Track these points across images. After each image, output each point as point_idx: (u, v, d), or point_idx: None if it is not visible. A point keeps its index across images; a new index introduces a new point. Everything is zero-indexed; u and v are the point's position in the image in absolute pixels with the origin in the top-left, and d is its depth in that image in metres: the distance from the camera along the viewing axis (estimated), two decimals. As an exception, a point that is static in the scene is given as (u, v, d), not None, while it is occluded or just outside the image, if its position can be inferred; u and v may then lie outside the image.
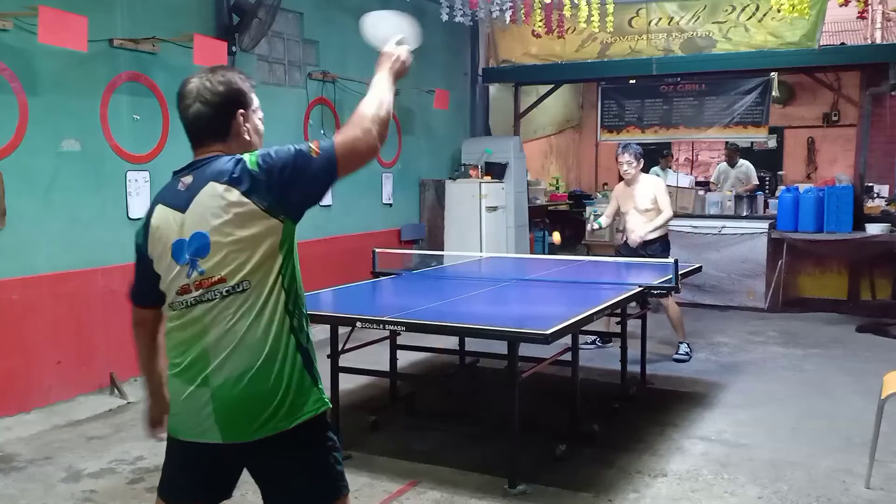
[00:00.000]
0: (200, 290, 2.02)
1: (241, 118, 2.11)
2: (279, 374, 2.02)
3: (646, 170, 6.67)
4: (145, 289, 2.16)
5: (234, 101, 2.10)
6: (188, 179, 2.06)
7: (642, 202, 6.34)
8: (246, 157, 2.03)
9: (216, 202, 2.00)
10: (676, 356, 6.29)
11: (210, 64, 6.17)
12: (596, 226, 6.65)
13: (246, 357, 2.00)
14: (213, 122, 2.08)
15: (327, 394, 2.16)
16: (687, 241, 8.25)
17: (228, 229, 1.99)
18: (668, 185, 8.72)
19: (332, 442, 2.14)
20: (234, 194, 1.98)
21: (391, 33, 2.31)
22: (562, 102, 12.31)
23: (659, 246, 6.38)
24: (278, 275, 2.04)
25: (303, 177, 2.00)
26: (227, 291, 2.01)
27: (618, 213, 6.67)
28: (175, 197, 2.06)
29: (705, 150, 12.90)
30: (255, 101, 2.17)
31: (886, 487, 3.80)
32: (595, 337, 6.61)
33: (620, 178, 6.55)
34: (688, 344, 6.38)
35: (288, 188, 2.00)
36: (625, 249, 6.53)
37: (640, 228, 6.34)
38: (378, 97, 2.14)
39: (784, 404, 5.16)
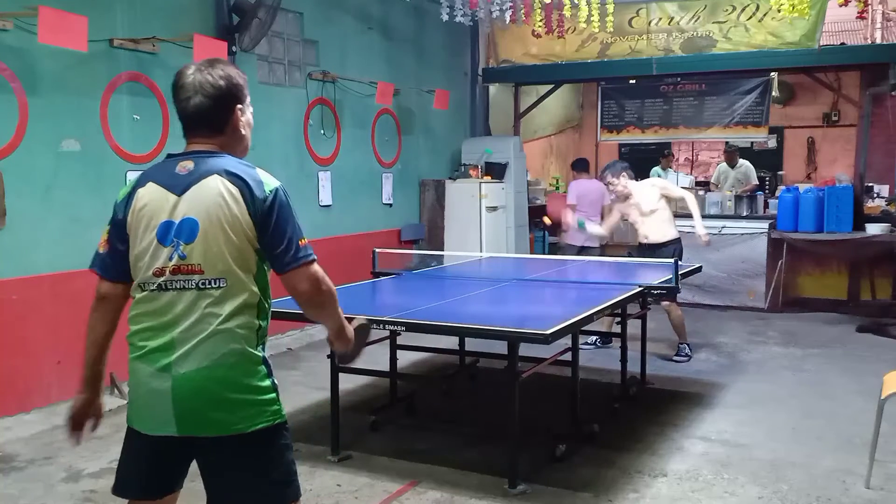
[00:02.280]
0: (177, 276, 2.04)
1: (239, 112, 2.16)
2: (242, 376, 2.05)
3: (646, 170, 6.69)
4: (117, 262, 2.14)
5: (233, 96, 2.14)
6: (189, 165, 2.09)
7: (647, 205, 6.36)
8: (266, 178, 2.09)
9: (217, 196, 2.02)
10: (676, 357, 6.30)
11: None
12: (575, 225, 6.74)
13: (212, 351, 2.02)
14: (213, 115, 2.12)
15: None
16: (687, 241, 8.23)
17: (220, 223, 2.02)
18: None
19: (287, 452, 2.14)
20: (238, 196, 2.02)
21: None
22: (562, 102, 12.30)
23: (671, 249, 6.33)
24: (254, 285, 2.07)
25: (281, 237, 2.06)
26: (202, 283, 2.02)
27: (622, 221, 6.72)
28: (171, 179, 2.08)
29: (705, 150, 12.90)
30: (248, 96, 2.22)
31: (886, 487, 3.80)
32: (596, 337, 6.61)
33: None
34: (688, 346, 6.39)
35: (269, 232, 2.05)
36: (637, 252, 6.55)
37: (653, 232, 6.35)
38: (341, 322, 2.26)
39: (784, 404, 5.16)
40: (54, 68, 4.98)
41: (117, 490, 2.22)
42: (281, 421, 2.13)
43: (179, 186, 2.06)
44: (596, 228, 6.75)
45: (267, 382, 2.11)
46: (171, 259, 2.04)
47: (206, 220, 2.02)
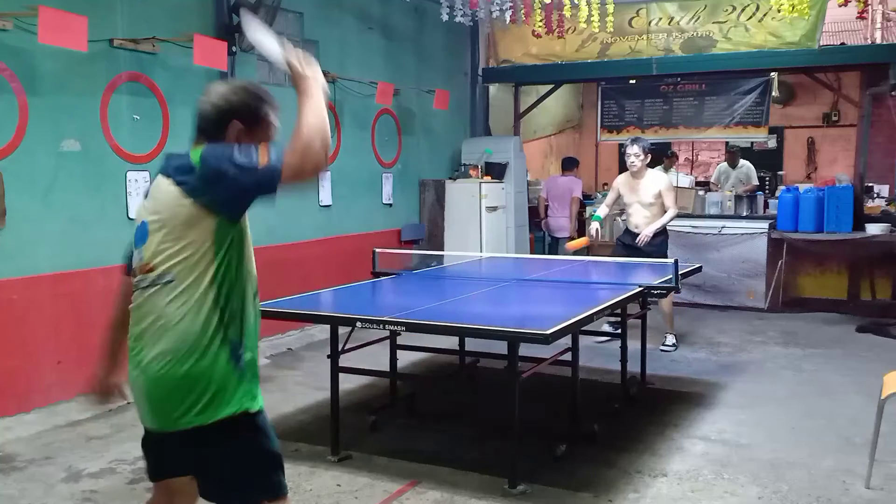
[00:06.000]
0: (140, 276, 2.12)
1: (235, 130, 2.14)
2: (198, 367, 2.04)
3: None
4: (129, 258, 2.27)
5: (236, 112, 2.15)
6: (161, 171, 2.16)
7: (646, 196, 6.48)
8: (193, 150, 2.09)
9: (159, 195, 2.09)
10: (663, 347, 6.45)
11: (210, 64, 6.13)
12: (596, 225, 6.67)
13: (169, 343, 2.04)
14: (209, 123, 2.16)
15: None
16: (687, 241, 8.25)
17: (161, 221, 2.06)
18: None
19: (261, 443, 2.15)
20: (174, 189, 2.05)
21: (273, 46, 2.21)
22: (562, 102, 12.30)
23: (660, 240, 6.51)
24: (207, 270, 2.05)
25: (239, 184, 1.99)
26: (154, 280, 2.08)
27: (617, 203, 6.80)
28: (150, 186, 2.20)
29: (705, 150, 12.91)
30: (267, 129, 2.21)
31: (886, 487, 3.80)
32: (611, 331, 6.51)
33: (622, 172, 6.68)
34: (675, 336, 6.54)
35: (224, 190, 2.00)
36: (628, 238, 6.61)
37: (642, 224, 6.48)
38: (321, 117, 2.09)
39: (784, 404, 5.16)
40: (54, 68, 4.98)
41: (147, 475, 2.32)
42: (245, 409, 2.10)
43: (146, 192, 2.18)
44: (601, 209, 6.88)
45: (232, 376, 2.10)
46: (139, 261, 2.14)
47: (151, 219, 2.10)
